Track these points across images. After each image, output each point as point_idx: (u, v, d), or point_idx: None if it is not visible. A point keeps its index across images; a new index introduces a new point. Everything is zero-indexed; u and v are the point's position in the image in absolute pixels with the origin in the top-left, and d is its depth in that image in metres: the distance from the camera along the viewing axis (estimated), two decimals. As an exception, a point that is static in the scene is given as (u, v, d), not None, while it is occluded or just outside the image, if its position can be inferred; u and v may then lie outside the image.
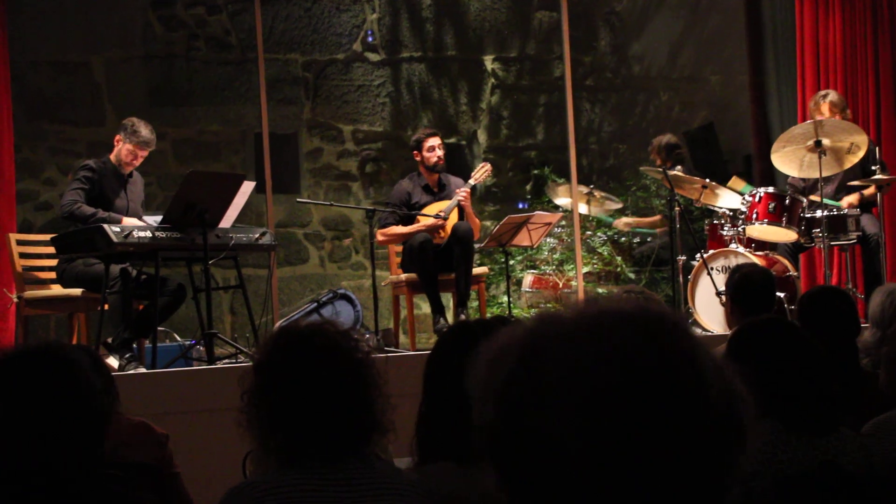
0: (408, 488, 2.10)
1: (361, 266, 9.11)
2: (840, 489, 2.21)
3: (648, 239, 8.57)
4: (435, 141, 6.63)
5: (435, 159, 6.58)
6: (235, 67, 8.94)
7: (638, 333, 0.95)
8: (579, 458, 0.92)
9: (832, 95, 6.80)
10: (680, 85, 10.11)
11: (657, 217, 8.24)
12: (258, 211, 7.75)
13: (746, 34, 8.51)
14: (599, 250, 8.57)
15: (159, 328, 5.83)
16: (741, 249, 6.49)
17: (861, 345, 3.73)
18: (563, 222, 8.05)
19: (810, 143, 6.39)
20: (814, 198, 6.52)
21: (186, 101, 8.84)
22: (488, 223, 8.99)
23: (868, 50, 7.63)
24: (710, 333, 6.08)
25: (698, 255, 6.54)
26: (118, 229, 5.22)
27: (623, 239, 8.71)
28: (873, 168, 6.42)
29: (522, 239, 6.78)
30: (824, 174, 6.39)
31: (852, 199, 6.63)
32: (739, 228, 6.58)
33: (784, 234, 6.54)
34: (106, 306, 5.48)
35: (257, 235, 5.72)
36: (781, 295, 6.08)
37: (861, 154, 6.44)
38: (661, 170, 6.76)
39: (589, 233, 8.53)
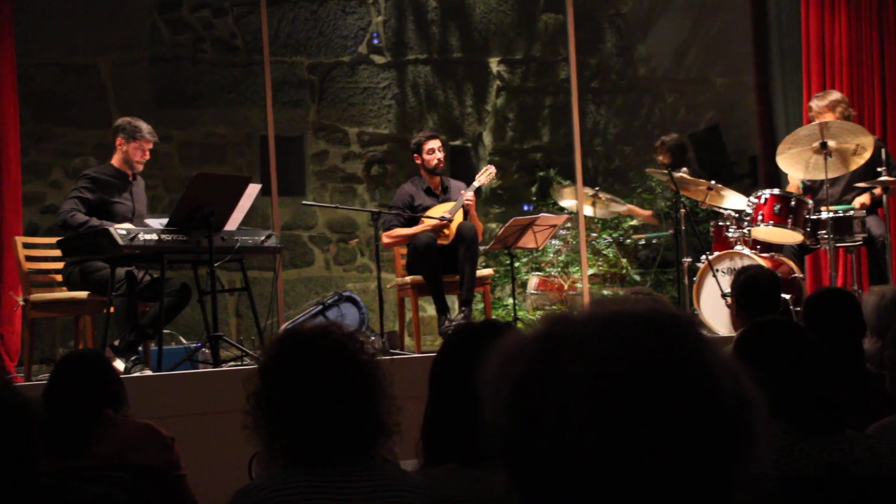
0: (414, 490, 2.10)
1: (367, 268, 9.11)
2: (847, 492, 2.21)
3: (654, 241, 8.57)
4: (435, 143, 6.57)
5: (435, 162, 6.54)
6: (241, 70, 8.95)
7: (652, 334, 0.95)
8: (593, 457, 0.92)
9: (834, 95, 6.77)
10: (685, 87, 10.11)
11: (649, 212, 8.35)
12: (264, 213, 7.75)
13: (752, 36, 8.50)
14: (605, 252, 8.56)
15: (164, 331, 5.82)
16: (746, 251, 6.47)
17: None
18: (569, 224, 8.04)
19: (816, 144, 6.37)
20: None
21: (192, 103, 8.85)
22: (493, 225, 8.99)
23: (874, 51, 7.62)
24: (715, 335, 6.07)
25: (704, 256, 6.53)
26: (124, 232, 5.22)
27: (628, 241, 8.71)
28: (878, 170, 6.40)
29: (528, 241, 6.77)
30: (830, 176, 6.38)
31: (864, 199, 6.60)
32: (745, 230, 6.56)
33: (790, 236, 6.52)
34: (111, 309, 5.48)
35: (263, 238, 5.71)
36: (787, 297, 6.07)
37: (867, 155, 6.42)
38: (666, 172, 6.75)
39: (594, 235, 8.52)
